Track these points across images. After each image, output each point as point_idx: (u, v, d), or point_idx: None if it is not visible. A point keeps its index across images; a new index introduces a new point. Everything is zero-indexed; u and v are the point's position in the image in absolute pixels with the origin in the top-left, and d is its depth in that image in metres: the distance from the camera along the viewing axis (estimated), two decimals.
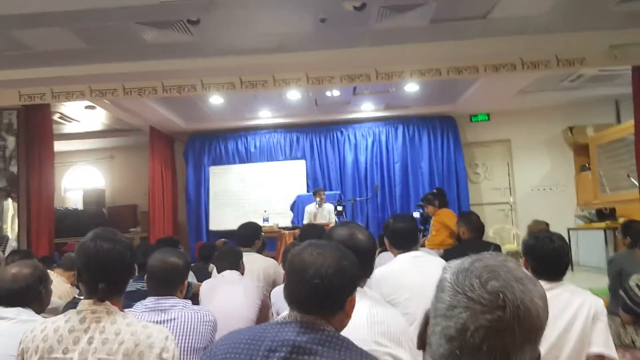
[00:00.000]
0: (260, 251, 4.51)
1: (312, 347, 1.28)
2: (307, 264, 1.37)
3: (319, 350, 1.28)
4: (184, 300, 2.28)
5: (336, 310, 1.39)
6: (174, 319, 2.13)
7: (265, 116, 9.04)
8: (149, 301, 2.20)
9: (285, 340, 1.29)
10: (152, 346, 1.60)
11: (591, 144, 8.49)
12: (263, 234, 4.27)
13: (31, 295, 2.02)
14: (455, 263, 0.86)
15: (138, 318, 2.08)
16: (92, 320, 1.61)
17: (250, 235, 4.07)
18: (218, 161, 9.62)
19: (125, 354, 1.57)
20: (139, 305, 2.20)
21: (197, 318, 2.16)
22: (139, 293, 3.18)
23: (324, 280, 1.34)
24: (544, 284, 2.20)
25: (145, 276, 2.33)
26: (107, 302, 1.66)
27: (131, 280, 3.39)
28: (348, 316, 1.43)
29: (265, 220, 7.98)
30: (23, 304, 2.01)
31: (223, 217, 9.16)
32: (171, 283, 2.28)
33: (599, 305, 2.18)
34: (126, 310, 2.19)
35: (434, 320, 0.84)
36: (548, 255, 2.24)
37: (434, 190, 6.54)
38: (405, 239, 2.81)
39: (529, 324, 0.78)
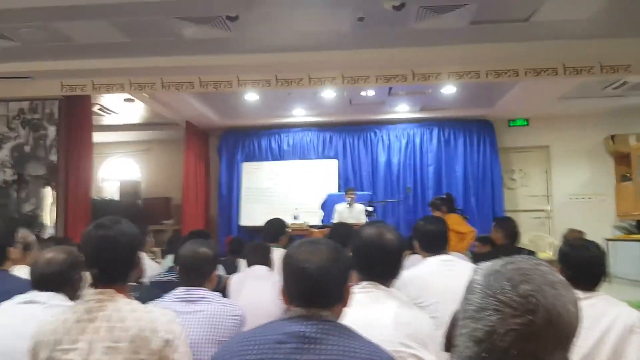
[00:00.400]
0: (286, 247, 4.54)
1: (320, 336, 1.32)
2: (303, 261, 1.42)
3: (326, 339, 1.31)
4: (214, 292, 2.29)
5: (336, 301, 1.44)
6: (202, 310, 2.15)
7: (299, 114, 9.05)
8: (180, 291, 2.23)
9: (293, 332, 1.32)
10: (156, 330, 1.63)
11: (633, 154, 8.23)
12: (289, 230, 4.32)
13: (64, 280, 2.05)
14: (487, 265, 0.84)
15: (168, 307, 2.11)
16: (98, 309, 1.63)
17: (275, 232, 4.13)
18: (251, 157, 9.69)
19: (131, 341, 1.59)
20: (170, 295, 2.22)
21: (225, 311, 2.17)
22: (171, 284, 3.22)
23: (322, 273, 1.40)
24: (578, 293, 2.15)
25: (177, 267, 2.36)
26: (112, 290, 1.68)
27: (163, 271, 3.45)
28: (345, 305, 1.48)
29: (296, 218, 8.00)
30: (56, 289, 2.04)
31: (253, 213, 9.21)
32: (201, 273, 2.30)
33: (635, 317, 2.10)
34: (157, 300, 2.22)
35: (462, 322, 0.82)
36: (583, 263, 2.17)
37: (443, 195, 6.42)
38: (435, 241, 2.77)
39: (560, 329, 0.75)
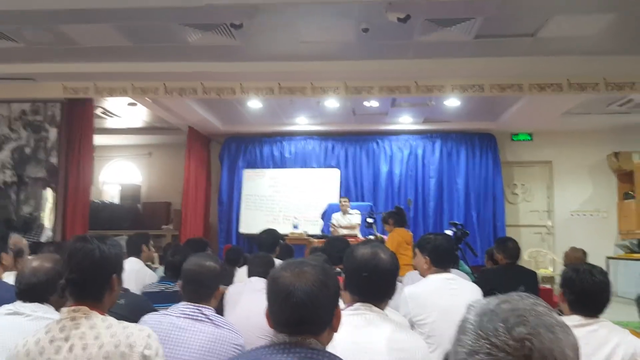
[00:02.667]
0: (284, 258, 4.52)
1: None
2: (288, 285, 1.32)
3: None
4: (219, 316, 2.24)
5: (324, 327, 1.35)
6: (206, 332, 2.09)
7: (301, 122, 9.03)
8: (185, 306, 2.16)
9: None
10: (133, 345, 1.58)
11: (637, 171, 8.19)
12: (282, 241, 4.33)
13: (50, 290, 1.99)
14: (481, 303, 0.79)
15: (172, 322, 2.07)
16: (72, 327, 1.58)
17: (272, 242, 4.14)
18: (252, 164, 9.65)
19: (105, 357, 1.54)
20: (174, 309, 2.16)
21: (229, 338, 2.11)
22: (162, 294, 3.18)
23: (310, 299, 1.30)
24: (580, 319, 2.11)
25: (180, 281, 2.30)
26: (85, 307, 1.63)
27: (152, 282, 3.41)
28: (335, 330, 1.39)
29: (295, 227, 7.96)
30: (42, 299, 1.99)
31: (253, 221, 9.17)
32: (207, 287, 2.25)
33: (637, 345, 2.05)
34: (161, 313, 2.16)
35: None
36: (588, 290, 2.11)
37: (394, 210, 6.38)
38: (447, 257, 2.78)
39: None
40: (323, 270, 1.39)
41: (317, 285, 1.32)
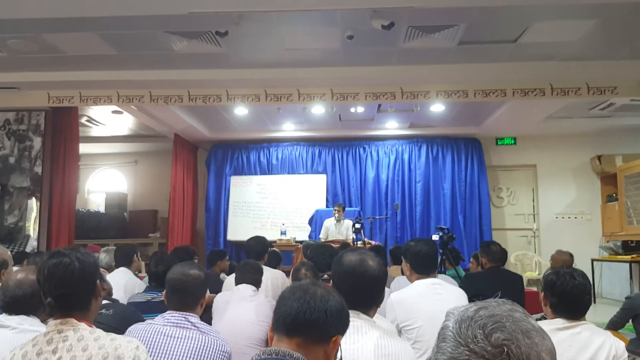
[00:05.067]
0: (274, 265, 4.54)
1: None
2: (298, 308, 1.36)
3: None
4: (205, 323, 2.24)
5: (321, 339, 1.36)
6: (192, 338, 2.09)
7: (288, 129, 9.05)
8: (171, 315, 2.16)
9: None
10: (122, 357, 1.58)
11: (619, 174, 8.30)
12: (272, 248, 4.34)
13: (36, 303, 1.98)
14: (460, 310, 0.81)
15: (158, 330, 2.06)
16: (59, 340, 1.58)
17: (260, 249, 4.16)
18: (239, 171, 9.64)
19: None
20: (160, 319, 2.16)
21: (215, 345, 2.10)
22: (149, 304, 3.16)
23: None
24: (563, 322, 2.14)
25: (165, 291, 2.29)
26: (73, 320, 1.62)
27: (141, 291, 3.39)
28: (329, 356, 1.39)
29: (283, 233, 7.96)
30: (27, 312, 1.98)
31: (241, 228, 9.15)
32: (193, 295, 2.24)
33: (620, 347, 2.08)
34: (147, 322, 2.16)
35: None
36: (568, 293, 2.14)
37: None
38: (427, 263, 2.76)
39: None
40: (329, 292, 1.42)
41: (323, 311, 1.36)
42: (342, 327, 1.41)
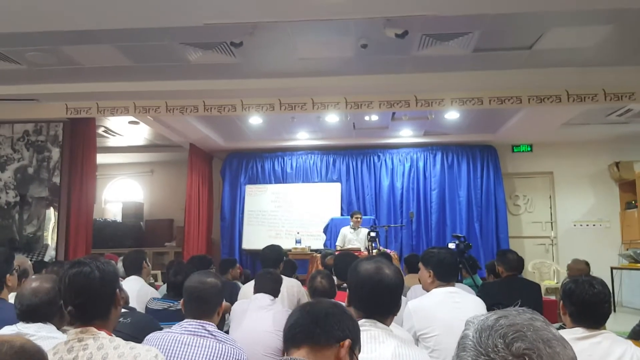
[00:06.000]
0: (290, 274, 4.55)
1: None
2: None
3: None
4: (222, 332, 2.24)
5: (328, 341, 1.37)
6: (209, 347, 2.09)
7: (302, 138, 9.07)
8: (188, 323, 2.17)
9: None
10: None
11: (638, 181, 8.18)
12: (285, 257, 4.39)
13: (52, 310, 2.00)
14: (479, 319, 0.80)
15: (175, 339, 2.07)
16: (80, 348, 1.60)
17: (275, 258, 4.17)
18: (254, 180, 9.68)
19: None
20: (177, 327, 2.17)
21: (232, 354, 2.11)
22: (166, 312, 3.18)
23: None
24: (583, 331, 2.11)
25: (182, 300, 2.30)
26: (93, 328, 1.64)
27: (157, 299, 3.41)
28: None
29: (298, 242, 7.96)
30: (44, 319, 1.99)
31: (256, 237, 9.18)
32: (210, 304, 2.25)
33: None
34: (165, 331, 2.17)
35: None
36: (587, 301, 2.11)
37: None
38: (452, 271, 2.78)
39: None
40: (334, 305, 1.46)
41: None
42: (347, 330, 1.40)
